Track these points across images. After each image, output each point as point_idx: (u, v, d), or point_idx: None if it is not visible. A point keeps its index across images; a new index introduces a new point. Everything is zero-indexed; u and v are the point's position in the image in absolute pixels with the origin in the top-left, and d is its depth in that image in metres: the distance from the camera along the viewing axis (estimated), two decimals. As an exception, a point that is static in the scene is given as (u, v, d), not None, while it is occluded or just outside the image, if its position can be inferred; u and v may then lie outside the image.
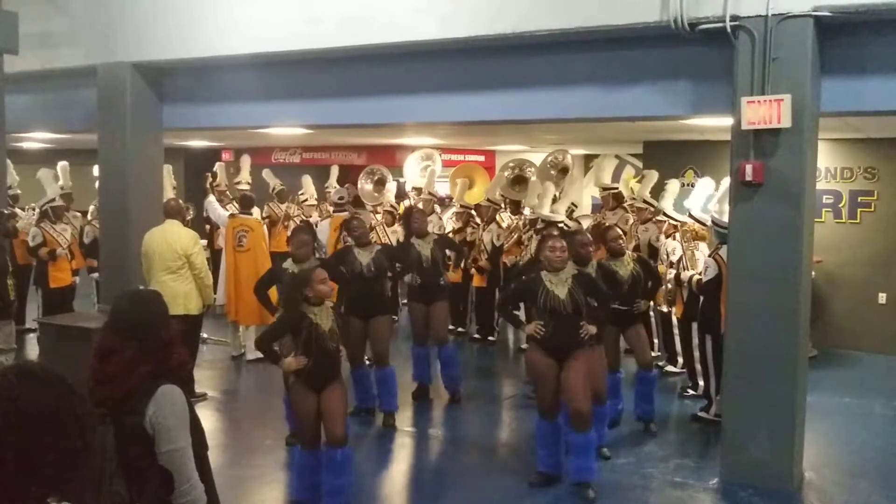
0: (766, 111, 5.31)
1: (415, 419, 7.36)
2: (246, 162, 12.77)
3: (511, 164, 11.35)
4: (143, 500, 2.64)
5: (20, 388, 1.70)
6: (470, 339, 10.56)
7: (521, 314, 6.67)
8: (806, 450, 5.96)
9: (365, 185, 11.76)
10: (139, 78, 8.00)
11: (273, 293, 6.81)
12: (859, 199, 10.04)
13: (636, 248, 8.69)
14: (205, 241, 9.52)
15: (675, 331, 8.61)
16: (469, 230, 10.63)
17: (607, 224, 8.88)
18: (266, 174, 13.40)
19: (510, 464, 6.26)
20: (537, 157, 11.75)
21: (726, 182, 6.69)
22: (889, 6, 5.09)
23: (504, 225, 10.57)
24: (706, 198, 8.00)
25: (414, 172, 13.01)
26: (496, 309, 9.58)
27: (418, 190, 12.30)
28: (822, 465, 6.27)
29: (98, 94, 8.09)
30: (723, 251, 6.56)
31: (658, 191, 9.17)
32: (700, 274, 7.17)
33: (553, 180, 9.93)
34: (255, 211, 10.46)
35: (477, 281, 10.49)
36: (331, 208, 11.15)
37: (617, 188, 10.52)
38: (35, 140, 13.54)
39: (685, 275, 7.62)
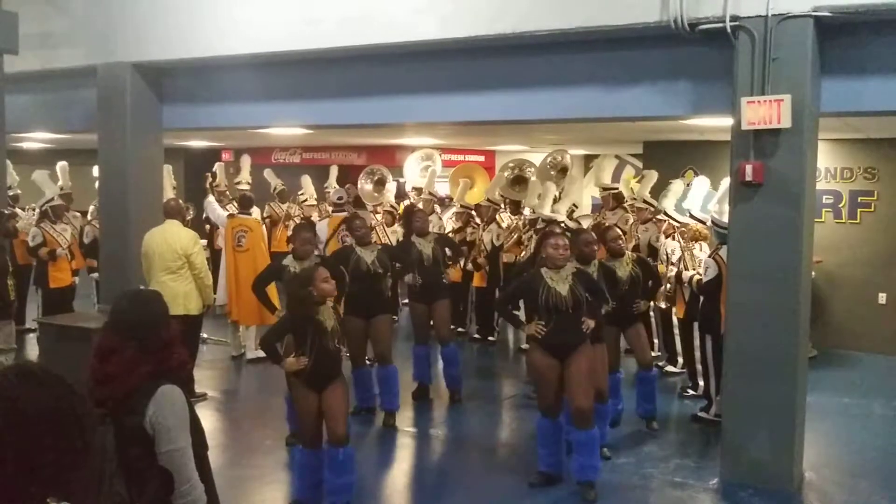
0: (766, 111, 5.31)
1: (415, 419, 7.35)
2: (246, 162, 12.78)
3: (511, 165, 11.35)
4: (143, 501, 2.64)
5: (20, 388, 1.70)
6: (470, 339, 10.55)
7: (521, 314, 6.67)
8: (806, 450, 5.95)
9: (365, 185, 11.76)
10: (139, 78, 8.00)
11: (272, 291, 6.82)
12: (859, 199, 10.04)
13: (636, 248, 8.69)
14: (205, 242, 9.52)
15: (676, 331, 8.62)
16: (469, 230, 10.63)
17: (607, 224, 8.88)
18: (268, 174, 13.41)
19: (510, 464, 6.26)
20: (537, 158, 11.75)
21: (726, 182, 6.69)
22: (889, 6, 5.09)
23: (504, 225, 10.57)
24: (704, 197, 8.01)
25: (414, 172, 13.01)
26: (495, 308, 9.58)
27: (418, 190, 12.30)
28: (822, 465, 6.27)
29: (98, 94, 8.09)
30: (723, 251, 6.55)
31: (658, 191, 9.17)
32: (700, 273, 7.17)
33: (553, 180, 9.93)
34: (255, 211, 10.45)
35: (477, 281, 10.49)
36: (330, 208, 11.15)
37: (617, 188, 10.52)
38: (35, 140, 13.54)
39: (686, 275, 7.62)
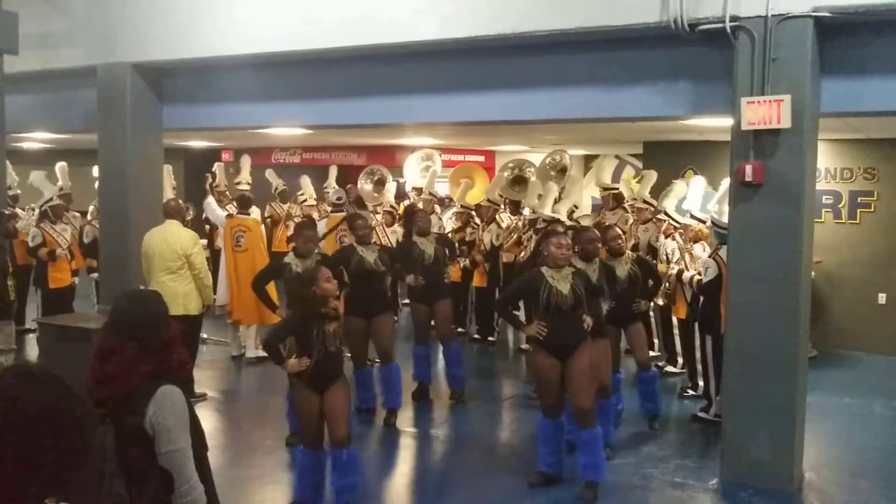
0: (765, 111, 5.31)
1: (415, 419, 7.35)
2: (246, 162, 12.75)
3: (511, 165, 11.34)
4: (142, 501, 2.63)
5: (20, 388, 1.70)
6: (470, 339, 10.55)
7: (521, 315, 6.67)
8: (806, 450, 5.95)
9: (365, 186, 11.75)
10: (139, 78, 8.00)
11: (271, 290, 6.81)
12: (859, 199, 10.04)
13: (636, 248, 8.69)
14: (204, 242, 9.51)
15: (676, 331, 8.62)
16: (469, 230, 10.63)
17: (607, 224, 8.88)
18: (269, 174, 13.41)
19: (511, 464, 6.25)
20: (537, 158, 11.74)
21: (726, 182, 6.69)
22: (889, 6, 5.09)
23: (504, 225, 10.57)
24: (702, 197, 8.01)
25: (414, 173, 13.00)
26: (495, 309, 9.58)
27: (418, 190, 12.29)
28: (822, 465, 6.27)
29: (98, 94, 8.09)
30: (723, 251, 6.56)
31: (658, 191, 9.17)
32: (700, 274, 7.17)
33: (552, 181, 9.93)
34: (255, 211, 10.45)
35: (477, 281, 10.49)
36: (329, 208, 11.15)
37: (617, 188, 10.52)
38: (35, 140, 13.53)
39: (686, 275, 7.62)
